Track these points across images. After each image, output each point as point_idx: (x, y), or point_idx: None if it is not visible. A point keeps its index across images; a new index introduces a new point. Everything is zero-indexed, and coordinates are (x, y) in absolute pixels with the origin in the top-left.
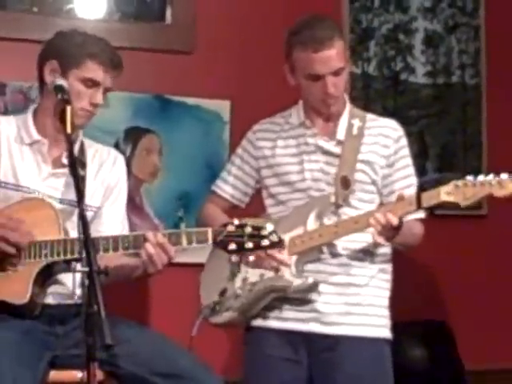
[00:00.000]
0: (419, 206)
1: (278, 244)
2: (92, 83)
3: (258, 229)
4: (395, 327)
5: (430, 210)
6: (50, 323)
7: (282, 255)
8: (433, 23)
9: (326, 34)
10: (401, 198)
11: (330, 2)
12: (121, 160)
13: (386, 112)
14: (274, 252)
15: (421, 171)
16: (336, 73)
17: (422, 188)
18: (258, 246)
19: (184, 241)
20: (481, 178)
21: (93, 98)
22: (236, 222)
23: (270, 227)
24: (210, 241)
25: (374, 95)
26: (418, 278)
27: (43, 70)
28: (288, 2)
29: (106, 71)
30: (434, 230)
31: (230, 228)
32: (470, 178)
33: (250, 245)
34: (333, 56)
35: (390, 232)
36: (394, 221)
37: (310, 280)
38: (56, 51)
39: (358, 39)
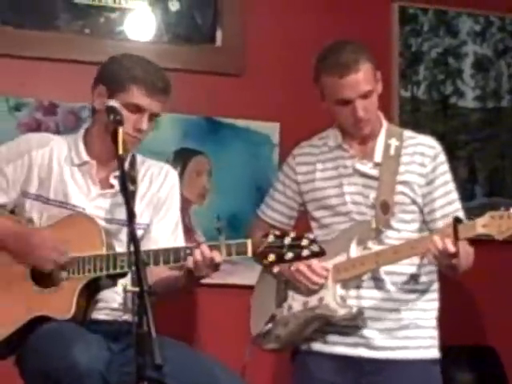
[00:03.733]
0: (456, 238)
1: (319, 254)
2: (136, 108)
3: (297, 239)
4: (444, 351)
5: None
6: (105, 339)
7: (325, 271)
8: (482, 47)
9: (350, 58)
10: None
11: (380, 26)
12: (173, 174)
13: (434, 136)
14: (317, 268)
15: (470, 196)
16: (364, 96)
17: (458, 219)
18: (298, 257)
19: (224, 252)
20: None
21: (137, 123)
22: (276, 232)
23: (310, 237)
24: (250, 252)
25: (423, 119)
26: (467, 303)
27: (93, 94)
28: (338, 26)
29: (150, 96)
30: (483, 254)
31: (270, 239)
32: (506, 210)
33: (289, 255)
34: (360, 80)
35: (446, 259)
36: (451, 248)
37: (355, 310)
38: (104, 76)
39: (407, 63)
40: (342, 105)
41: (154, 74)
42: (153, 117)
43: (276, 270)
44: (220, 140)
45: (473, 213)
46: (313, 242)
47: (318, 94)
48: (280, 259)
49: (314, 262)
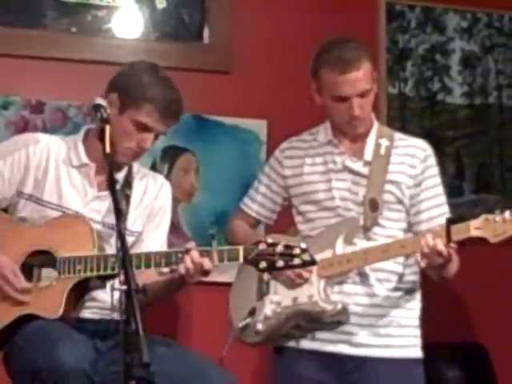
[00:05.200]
0: (449, 240)
1: (310, 263)
2: (144, 128)
3: (289, 248)
4: (431, 348)
5: (461, 244)
6: (92, 338)
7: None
8: (470, 44)
9: (353, 56)
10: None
11: (367, 23)
12: (167, 187)
13: (422, 132)
14: (302, 279)
15: (457, 192)
16: (362, 94)
17: (451, 220)
18: (289, 265)
19: (215, 258)
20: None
21: (142, 142)
22: (269, 240)
23: (302, 246)
24: (241, 259)
25: (410, 115)
26: (454, 299)
27: (105, 97)
28: (325, 23)
29: (159, 120)
30: (470, 250)
31: (262, 246)
32: (501, 213)
33: (280, 263)
34: (360, 78)
35: (436, 258)
36: (441, 246)
37: (339, 306)
38: (120, 85)
39: (394, 59)
40: (338, 101)
41: (169, 98)
42: (158, 136)
43: (266, 277)
44: (208, 137)
45: (460, 209)
46: (304, 251)
47: (305, 91)
48: (271, 267)
49: None
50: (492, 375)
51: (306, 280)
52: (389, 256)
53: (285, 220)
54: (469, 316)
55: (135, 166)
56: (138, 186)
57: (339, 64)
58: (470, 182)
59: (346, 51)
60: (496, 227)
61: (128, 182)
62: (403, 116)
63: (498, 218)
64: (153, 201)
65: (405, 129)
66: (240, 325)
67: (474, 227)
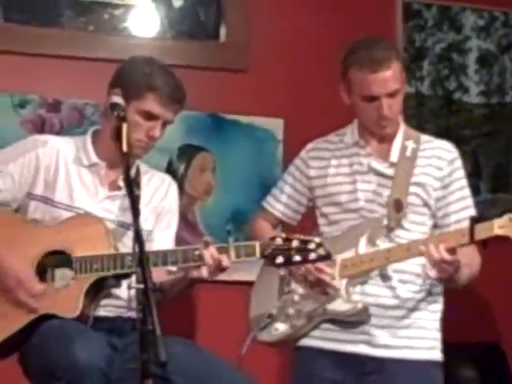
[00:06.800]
0: (472, 239)
1: (326, 257)
2: (150, 116)
3: (305, 242)
4: (447, 349)
5: (483, 244)
6: (109, 335)
7: (333, 280)
8: (486, 42)
9: (383, 55)
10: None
11: (383, 22)
12: (174, 188)
13: (438, 131)
14: (326, 277)
15: (474, 191)
16: (392, 94)
17: (475, 219)
18: (305, 260)
19: (232, 254)
20: None
21: (150, 130)
22: (283, 235)
23: (317, 240)
24: (258, 254)
25: (427, 114)
26: (471, 300)
27: (109, 94)
28: (342, 21)
29: (164, 106)
30: (487, 251)
31: (278, 241)
32: None
33: (297, 258)
34: (389, 77)
35: (444, 265)
36: (446, 256)
37: (360, 306)
38: (122, 79)
39: (411, 58)
40: (367, 101)
41: (171, 84)
42: (166, 124)
43: (283, 272)
44: (224, 136)
45: (477, 209)
46: (320, 245)
47: (321, 89)
48: (287, 261)
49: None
50: (508, 376)
51: (331, 275)
52: (411, 255)
53: (308, 223)
54: (485, 317)
55: (143, 166)
56: (146, 186)
57: (369, 63)
58: (487, 181)
59: (376, 51)
60: None
61: (136, 182)
62: (420, 115)
63: None
64: (161, 201)
65: (421, 128)
66: (261, 325)
67: (498, 226)
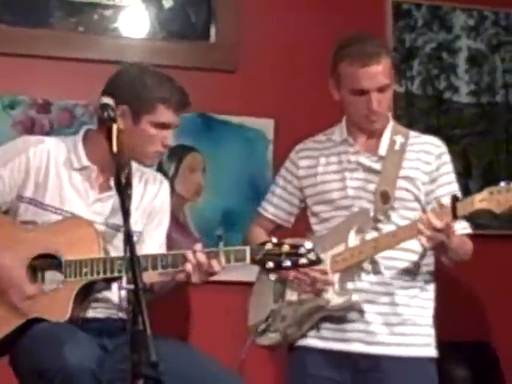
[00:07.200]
0: (455, 216)
1: (316, 262)
2: (163, 126)
3: (295, 247)
4: (439, 347)
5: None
6: (99, 336)
7: (326, 276)
8: (476, 42)
9: (374, 50)
10: (439, 206)
11: (374, 21)
12: (165, 185)
13: (429, 131)
14: (317, 274)
15: (464, 190)
16: (381, 89)
17: (457, 198)
18: (295, 264)
19: (222, 259)
20: None
21: (165, 139)
22: (274, 240)
23: (308, 245)
24: (248, 259)
25: (417, 114)
26: (463, 299)
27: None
28: (332, 20)
29: (176, 113)
30: (480, 250)
31: (268, 246)
32: (503, 183)
33: (287, 263)
34: (379, 72)
35: (438, 235)
36: (438, 224)
37: (354, 297)
38: (125, 96)
39: (401, 58)
40: (357, 95)
41: (177, 91)
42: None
43: (273, 277)
44: (214, 136)
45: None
46: (310, 250)
47: (311, 89)
48: (278, 266)
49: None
50: (499, 374)
51: (322, 271)
52: (398, 240)
53: (303, 224)
54: (475, 315)
55: (134, 164)
56: (137, 186)
57: (360, 57)
58: (477, 180)
59: (366, 45)
60: (500, 198)
61: (128, 182)
62: (410, 114)
63: (502, 190)
64: (152, 200)
65: (411, 127)
66: (259, 329)
67: (479, 200)
